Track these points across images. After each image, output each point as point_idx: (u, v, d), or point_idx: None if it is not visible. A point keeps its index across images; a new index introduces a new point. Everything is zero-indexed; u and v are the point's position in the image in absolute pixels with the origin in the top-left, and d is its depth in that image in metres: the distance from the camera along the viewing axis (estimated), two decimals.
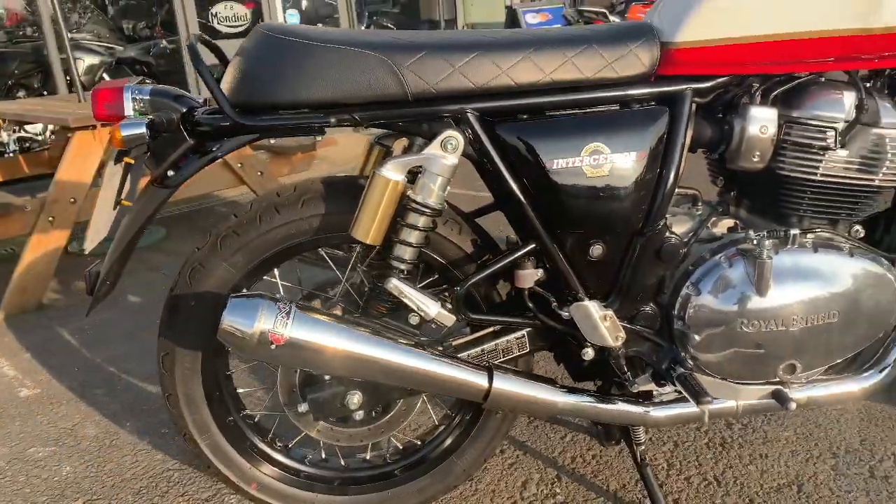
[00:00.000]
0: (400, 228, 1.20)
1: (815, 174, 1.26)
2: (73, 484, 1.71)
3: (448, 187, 1.20)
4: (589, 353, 1.33)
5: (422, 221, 1.20)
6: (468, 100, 1.18)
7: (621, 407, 1.33)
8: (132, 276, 3.03)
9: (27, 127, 5.05)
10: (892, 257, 1.34)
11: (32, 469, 1.78)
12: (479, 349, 1.32)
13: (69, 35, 3.67)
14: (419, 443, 1.50)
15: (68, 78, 5.70)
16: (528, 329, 1.34)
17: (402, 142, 1.51)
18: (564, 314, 1.29)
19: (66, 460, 1.81)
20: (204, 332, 1.29)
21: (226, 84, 1.17)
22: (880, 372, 1.38)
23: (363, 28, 8.04)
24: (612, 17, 5.17)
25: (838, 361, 1.36)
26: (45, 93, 5.61)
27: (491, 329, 1.34)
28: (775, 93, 1.26)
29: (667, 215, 1.28)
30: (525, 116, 1.22)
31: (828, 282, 1.27)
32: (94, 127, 2.86)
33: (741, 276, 1.26)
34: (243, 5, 6.02)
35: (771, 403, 1.34)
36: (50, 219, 2.79)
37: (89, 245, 1.21)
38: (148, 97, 1.18)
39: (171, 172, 1.19)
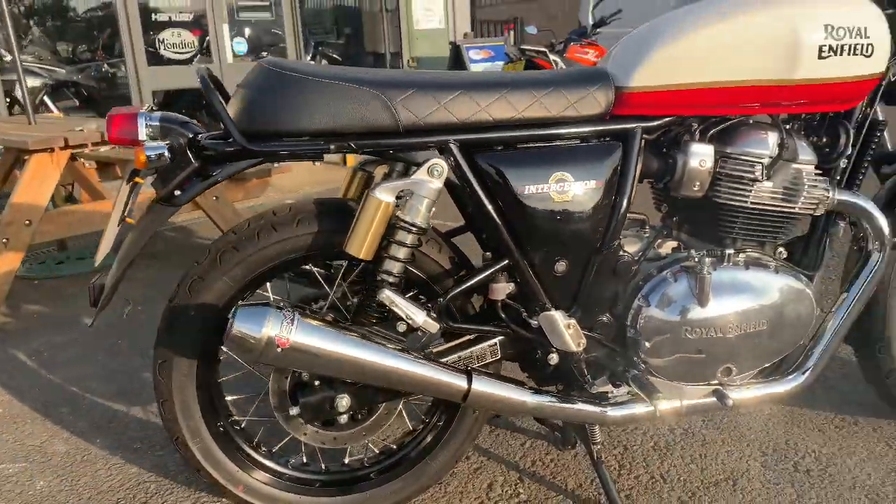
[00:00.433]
0: (389, 245, 1.34)
1: (746, 202, 1.45)
2: (48, 497, 1.73)
3: (433, 209, 1.34)
4: (554, 358, 1.49)
5: (409, 239, 1.33)
6: (452, 132, 1.34)
7: (582, 407, 1.48)
8: (83, 299, 3.02)
9: None
10: (810, 275, 1.56)
11: (5, 485, 1.78)
12: (456, 356, 1.45)
13: (8, 57, 3.65)
14: (395, 447, 1.62)
15: (7, 100, 5.61)
16: (501, 337, 1.48)
17: (383, 168, 1.65)
18: (533, 323, 1.44)
19: (38, 475, 1.82)
20: (201, 341, 1.38)
21: (231, 112, 1.29)
22: (802, 374, 1.59)
23: (308, 58, 8.16)
24: (551, 56, 5.43)
25: (767, 365, 1.56)
26: None
27: (467, 338, 1.48)
28: (712, 132, 1.46)
29: (620, 237, 1.45)
30: (500, 147, 1.38)
31: (758, 295, 1.47)
32: (52, 150, 2.88)
33: (684, 290, 1.44)
34: (191, 33, 6.04)
35: (712, 402, 1.52)
36: (4, 240, 2.78)
37: (98, 258, 1.29)
38: (158, 123, 1.28)
39: (177, 192, 1.29)
